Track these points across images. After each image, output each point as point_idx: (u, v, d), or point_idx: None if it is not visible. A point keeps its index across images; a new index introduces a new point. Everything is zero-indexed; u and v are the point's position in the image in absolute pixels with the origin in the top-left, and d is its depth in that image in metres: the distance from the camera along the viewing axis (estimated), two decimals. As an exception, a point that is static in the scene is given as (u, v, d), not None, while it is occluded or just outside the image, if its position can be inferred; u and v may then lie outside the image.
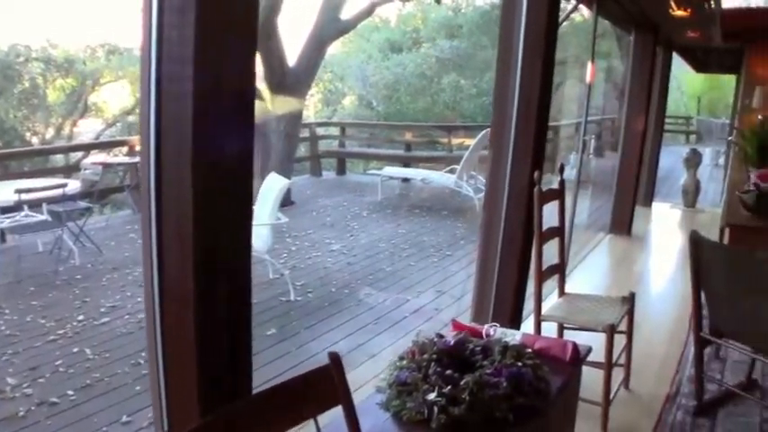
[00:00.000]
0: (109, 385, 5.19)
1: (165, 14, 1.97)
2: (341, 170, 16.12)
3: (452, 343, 2.81)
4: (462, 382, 2.47)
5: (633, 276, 7.68)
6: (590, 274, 7.45)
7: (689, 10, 7.45)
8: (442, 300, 7.17)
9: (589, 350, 3.23)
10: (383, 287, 7.62)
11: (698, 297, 4.15)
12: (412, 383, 2.53)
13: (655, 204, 11.49)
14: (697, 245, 4.01)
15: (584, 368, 3.90)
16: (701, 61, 16.41)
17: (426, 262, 8.69)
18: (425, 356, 2.66)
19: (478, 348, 2.79)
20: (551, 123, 17.80)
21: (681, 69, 23.12)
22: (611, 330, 3.90)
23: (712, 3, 7.35)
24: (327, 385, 2.12)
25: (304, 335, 6.25)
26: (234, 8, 2.04)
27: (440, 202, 12.42)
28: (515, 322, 4.48)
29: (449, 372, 2.55)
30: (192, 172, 1.99)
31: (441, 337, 2.86)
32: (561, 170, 4.49)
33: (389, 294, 7.36)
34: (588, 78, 7.34)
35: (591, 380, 4.00)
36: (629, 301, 4.35)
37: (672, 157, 14.75)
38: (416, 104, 22.86)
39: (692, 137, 27.23)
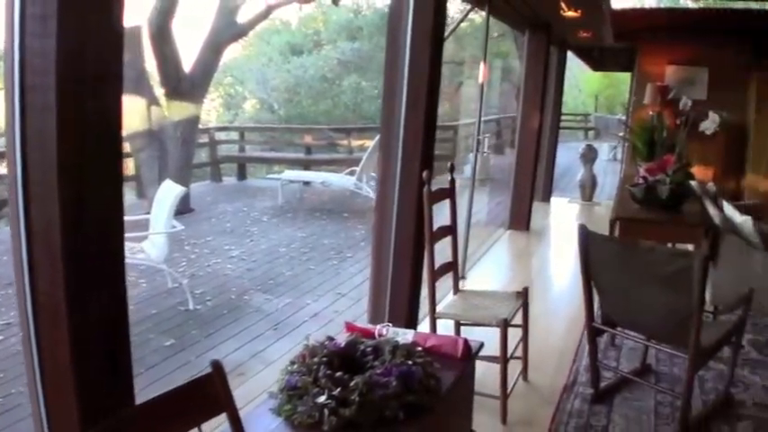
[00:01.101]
0: (2, 407, 5.02)
1: (26, 22, 1.92)
2: (241, 175, 15.93)
3: (343, 345, 2.81)
4: (352, 384, 2.47)
5: (532, 270, 7.82)
6: (490, 269, 7.55)
7: (579, 11, 7.60)
8: (342, 302, 7.17)
9: (481, 345, 3.26)
10: (283, 292, 7.57)
11: (588, 289, 4.26)
12: (302, 387, 2.51)
13: (553, 199, 11.74)
14: (585, 238, 4.10)
15: (483, 363, 3.95)
16: (598, 60, 16.74)
17: (326, 265, 8.68)
18: (315, 360, 2.65)
19: (369, 349, 2.79)
20: (451, 123, 18.11)
21: (579, 68, 23.65)
22: (504, 325, 3.95)
23: (602, 3, 7.51)
24: (212, 393, 2.10)
25: (204, 344, 6.17)
26: (98, 16, 1.99)
27: (340, 204, 12.43)
28: (412, 322, 4.50)
29: (339, 374, 2.54)
30: (59, 179, 1.94)
31: (331, 339, 2.86)
32: (451, 169, 4.52)
33: (289, 299, 7.32)
34: (481, 78, 7.42)
35: (489, 374, 4.08)
36: (523, 295, 4.41)
37: (571, 153, 15.04)
38: (318, 107, 22.83)
39: (591, 133, 27.84)
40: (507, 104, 21.26)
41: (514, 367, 4.51)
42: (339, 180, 12.74)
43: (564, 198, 12.00)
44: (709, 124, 6.00)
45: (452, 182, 4.42)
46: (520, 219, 9.25)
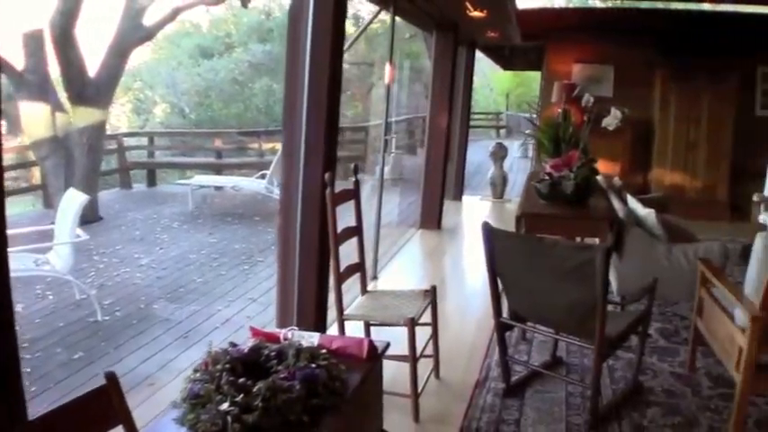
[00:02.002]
0: None
1: None
2: (151, 181, 15.61)
3: (246, 351, 2.77)
4: (255, 389, 2.45)
5: (444, 268, 7.87)
6: (402, 269, 7.56)
7: (485, 11, 7.67)
8: (253, 308, 7.09)
9: (387, 345, 3.26)
10: (193, 299, 7.45)
11: (495, 285, 4.30)
12: (205, 395, 2.47)
13: (465, 198, 11.85)
14: (489, 235, 4.13)
15: (395, 362, 4.01)
16: (508, 59, 16.99)
17: (237, 270, 8.59)
18: (218, 367, 2.61)
19: (273, 354, 2.77)
20: (363, 124, 18.10)
21: (491, 67, 23.91)
22: (411, 324, 3.96)
23: (507, 4, 7.58)
24: (107, 405, 2.05)
25: (113, 356, 6.02)
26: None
27: (251, 208, 12.31)
28: (320, 324, 4.46)
29: (242, 380, 2.51)
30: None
31: (234, 346, 2.82)
32: (355, 171, 4.50)
33: (200, 307, 7.21)
34: (387, 79, 7.42)
35: (401, 373, 4.08)
36: (431, 293, 4.41)
37: (484, 151, 15.15)
38: (229, 110, 22.62)
39: (503, 131, 28.22)
40: (419, 104, 21.40)
41: (426, 365, 4.54)
42: (250, 184, 12.64)
43: (476, 196, 12.11)
44: (611, 120, 6.09)
45: (357, 183, 4.41)
46: (431, 218, 9.30)
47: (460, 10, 7.66)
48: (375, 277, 6.97)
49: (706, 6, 12.41)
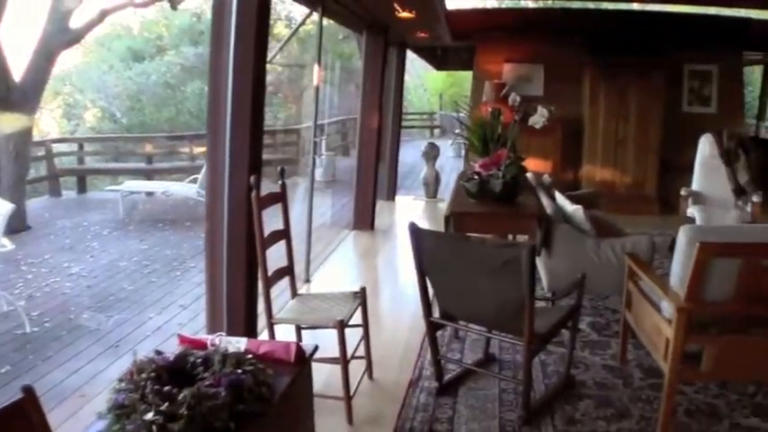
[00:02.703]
0: None
1: None
2: (82, 188, 15.27)
3: (172, 358, 2.73)
4: (180, 397, 2.42)
5: (377, 269, 7.86)
6: (335, 271, 7.53)
7: (414, 12, 7.68)
8: (185, 315, 7.00)
9: (315, 348, 3.24)
10: (124, 308, 7.31)
11: (424, 284, 4.31)
12: (130, 405, 2.43)
13: (398, 198, 11.87)
14: (417, 235, 4.13)
15: (328, 365, 4.03)
16: (441, 59, 17.09)
17: (169, 277, 8.48)
18: (143, 375, 2.56)
19: (199, 360, 2.74)
20: (295, 126, 18.03)
21: (424, 68, 24.00)
22: (341, 326, 3.94)
23: (436, 4, 7.61)
24: (26, 419, 2.00)
25: (41, 368, 5.87)
26: None
27: (183, 213, 12.14)
28: (251, 329, 4.41)
29: (167, 388, 2.47)
30: None
31: (159, 354, 2.77)
32: (281, 174, 4.46)
33: (131, 315, 7.08)
34: (316, 81, 7.39)
35: (335, 376, 4.07)
36: (361, 295, 4.41)
37: (417, 151, 15.16)
38: (161, 114, 22.30)
39: (437, 131, 28.35)
40: (353, 106, 21.38)
41: (359, 367, 4.54)
42: (181, 189, 12.50)
43: (410, 196, 12.15)
44: (538, 118, 6.13)
45: (283, 186, 4.38)
46: (364, 218, 9.30)
47: (389, 11, 7.67)
48: (308, 280, 6.94)
49: (635, 6, 12.63)
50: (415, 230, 4.15)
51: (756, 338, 4.00)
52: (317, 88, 7.46)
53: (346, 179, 13.05)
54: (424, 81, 33.73)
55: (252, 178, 3.95)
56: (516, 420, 4.16)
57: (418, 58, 17.50)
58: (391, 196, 11.62)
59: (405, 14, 7.79)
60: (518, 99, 6.21)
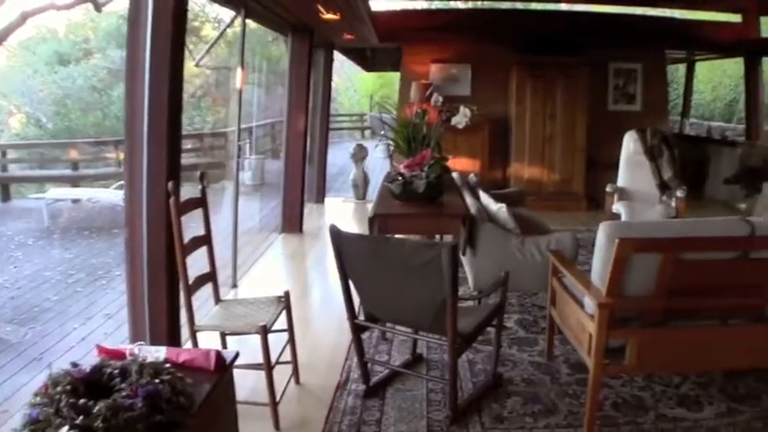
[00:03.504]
0: None
1: None
2: (5, 196, 14.82)
3: (88, 370, 2.66)
4: (96, 410, 2.34)
5: (306, 272, 7.82)
6: (263, 275, 7.45)
7: (338, 13, 7.65)
8: (111, 324, 6.87)
9: (236, 355, 3.19)
10: (49, 318, 7.15)
11: (347, 286, 4.30)
12: (44, 420, 2.36)
13: (328, 200, 11.84)
14: (337, 237, 4.12)
15: (255, 372, 4.01)
16: (371, 61, 17.09)
17: (95, 285, 8.31)
18: (58, 389, 2.49)
19: (116, 371, 2.66)
20: (224, 130, 17.87)
21: (355, 70, 23.97)
22: (263, 331, 3.91)
23: (360, 6, 7.58)
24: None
25: (-39, 384, 5.74)
26: None
27: (109, 220, 11.92)
28: (174, 338, 4.34)
29: (82, 401, 2.39)
30: None
31: (75, 366, 2.69)
32: (201, 179, 4.41)
33: (56, 326, 6.93)
34: (239, 84, 7.32)
35: (262, 382, 4.01)
36: (285, 299, 4.38)
37: (348, 153, 15.24)
38: (87, 119, 21.86)
39: (368, 132, 28.35)
40: (283, 108, 21.24)
41: (286, 371, 4.50)
42: (107, 195, 12.31)
43: (339, 198, 12.13)
44: (461, 118, 6.17)
45: (203, 191, 4.32)
46: (293, 221, 9.25)
47: (313, 13, 7.63)
48: (235, 285, 6.86)
49: (563, 6, 12.81)
50: (335, 233, 4.13)
51: (677, 331, 4.09)
52: (241, 91, 7.39)
53: (276, 182, 12.95)
54: (354, 83, 33.73)
55: (170, 184, 3.88)
56: (444, 420, 4.17)
57: (347, 59, 17.51)
58: (320, 199, 11.58)
59: (329, 16, 7.76)
60: (440, 99, 6.24)
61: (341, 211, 11.20)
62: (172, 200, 3.85)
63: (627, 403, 4.40)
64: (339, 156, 15.34)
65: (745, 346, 4.09)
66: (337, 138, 25.16)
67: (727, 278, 4.04)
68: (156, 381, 2.57)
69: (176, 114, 4.15)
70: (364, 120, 29.76)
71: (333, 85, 27.65)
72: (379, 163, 15.66)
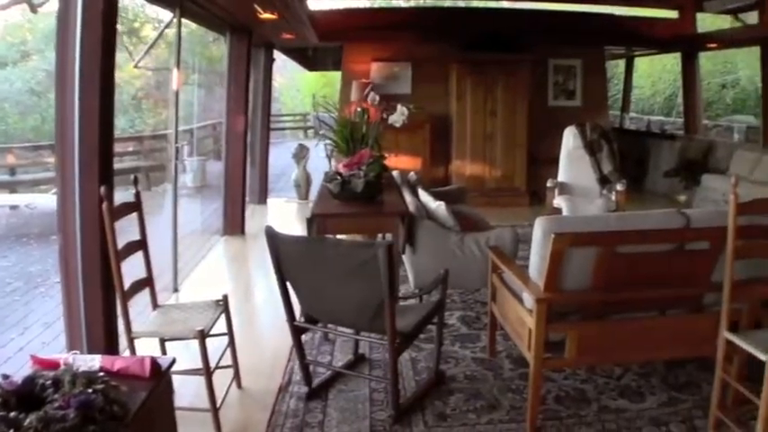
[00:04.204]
0: None
1: None
2: (-61, 205, 14.62)
3: (20, 382, 2.59)
4: (27, 422, 2.30)
5: (248, 274, 7.77)
6: (205, 278, 7.37)
7: (276, 13, 7.59)
8: (49, 333, 6.71)
9: (172, 361, 3.14)
10: (-15, 328, 6.99)
11: (285, 288, 4.28)
12: (-27, 436, 2.29)
13: (270, 201, 11.76)
14: (273, 239, 4.09)
15: (194, 377, 3.99)
16: (312, 60, 17.05)
17: (34, 294, 8.11)
18: (-11, 403, 2.42)
19: (49, 382, 2.60)
20: (164, 132, 17.67)
21: (297, 69, 23.85)
22: (201, 336, 3.86)
23: (297, 5, 7.54)
24: None
25: None
26: None
27: (49, 226, 11.57)
28: (112, 345, 4.27)
29: (13, 414, 2.34)
30: None
31: (6, 377, 2.63)
32: (135, 182, 4.34)
33: (-9, 336, 6.77)
34: (175, 85, 7.23)
35: (203, 387, 3.96)
36: (224, 303, 4.33)
37: (290, 153, 15.18)
38: (26, 123, 21.48)
39: (311, 132, 28.27)
40: (223, 109, 21.07)
41: (228, 376, 4.45)
42: (46, 201, 12.03)
43: (282, 198, 12.07)
44: (398, 117, 6.17)
45: (137, 195, 4.25)
46: (234, 223, 9.17)
47: (251, 13, 7.57)
48: (176, 290, 6.77)
49: (505, 4, 12.93)
50: (271, 234, 4.11)
51: (616, 323, 4.14)
52: (177, 92, 7.29)
53: (218, 184, 12.83)
54: (297, 82, 33.62)
55: (102, 189, 3.80)
56: (387, 419, 4.17)
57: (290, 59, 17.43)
58: (263, 199, 11.50)
59: (267, 16, 7.70)
60: (377, 98, 6.24)
61: (283, 212, 11.15)
62: (105, 205, 3.78)
63: (569, 396, 4.45)
64: (282, 156, 15.24)
65: (684, 336, 4.16)
66: (280, 138, 25.07)
67: (664, 270, 4.09)
68: (89, 390, 2.52)
69: (108, 117, 4.08)
70: (307, 120, 29.69)
71: (276, 85, 27.54)
72: (321, 163, 15.59)
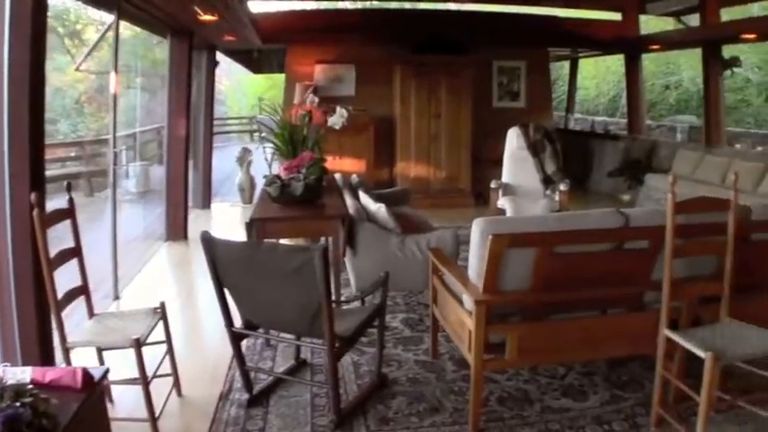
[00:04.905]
0: None
1: None
2: None
3: (-53, 397, 2.53)
4: (-51, 440, 2.22)
5: (191, 280, 7.66)
6: (147, 285, 7.24)
7: (216, 14, 7.52)
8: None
9: (106, 371, 3.09)
10: None
11: (222, 295, 4.23)
12: None
13: (215, 205, 11.65)
14: (209, 244, 4.05)
15: (133, 387, 3.93)
16: (257, 63, 16.95)
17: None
18: None
19: (-23, 397, 2.54)
20: (106, 136, 17.40)
21: (243, 72, 23.67)
22: (137, 345, 3.80)
23: (238, 7, 7.46)
24: None
25: None
26: None
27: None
28: (47, 356, 4.17)
29: (-62, 430, 2.27)
30: None
31: (-66, 393, 2.56)
32: (68, 188, 4.25)
33: None
34: (113, 89, 7.11)
35: (142, 397, 3.90)
36: (161, 310, 4.27)
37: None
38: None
39: (257, 135, 28.12)
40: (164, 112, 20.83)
41: (167, 385, 4.38)
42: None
43: (226, 203, 11.97)
44: (337, 119, 6.15)
45: (71, 201, 4.15)
46: (177, 228, 9.05)
47: (190, 14, 7.47)
48: (117, 297, 6.65)
49: (452, 6, 12.98)
50: (206, 240, 4.06)
51: (556, 323, 4.16)
52: (116, 96, 7.17)
53: (162, 189, 12.70)
54: (243, 85, 33.45)
55: (33, 196, 3.71)
56: (328, 425, 4.14)
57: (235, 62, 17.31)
58: (207, 204, 11.36)
59: (207, 17, 7.62)
60: (316, 100, 6.21)
61: (228, 216, 11.04)
62: (36, 212, 3.69)
63: (512, 397, 4.47)
64: (228, 160, 15.09)
65: (625, 335, 4.21)
66: (226, 141, 24.90)
67: (604, 269, 4.13)
68: (17, 404, 2.47)
69: (38, 123, 3.99)
70: (254, 123, 29.56)
71: (222, 88, 27.25)
72: (266, 166, 15.51)
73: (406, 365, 4.98)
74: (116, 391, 4.35)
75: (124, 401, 4.28)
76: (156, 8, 7.52)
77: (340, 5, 14.03)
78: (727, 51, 11.90)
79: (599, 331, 4.20)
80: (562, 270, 4.02)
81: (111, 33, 7.01)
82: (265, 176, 6.08)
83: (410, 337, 5.52)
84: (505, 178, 9.04)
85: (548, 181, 8.96)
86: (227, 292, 4.25)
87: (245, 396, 4.47)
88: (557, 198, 8.34)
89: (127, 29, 11.45)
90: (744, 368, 3.73)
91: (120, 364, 4.09)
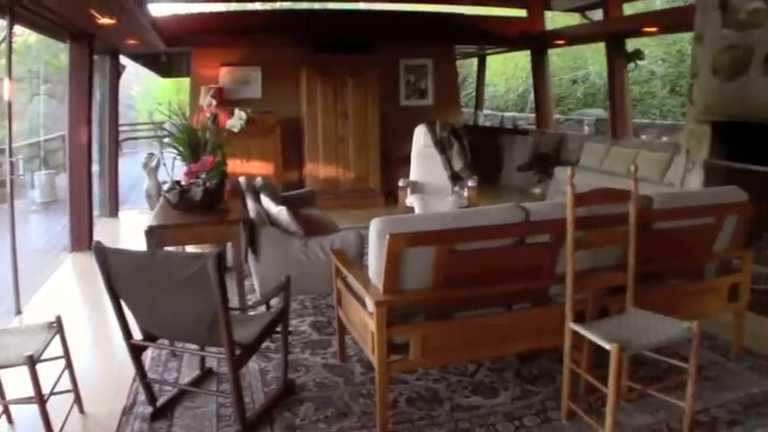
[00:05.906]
0: None
1: None
2: None
3: None
4: None
5: (96, 291, 7.42)
6: (51, 298, 7.03)
7: (114, 18, 7.36)
8: None
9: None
10: None
11: (118, 305, 4.12)
12: None
13: (123, 213, 11.40)
14: (102, 254, 3.95)
15: (31, 406, 3.78)
16: (166, 67, 16.73)
17: None
18: None
19: None
20: (2, 146, 16.94)
21: (152, 77, 23.28)
22: (31, 362, 3.67)
23: (136, 10, 7.32)
24: None
25: None
26: None
27: None
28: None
29: None
30: None
31: None
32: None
33: None
34: (6, 96, 6.88)
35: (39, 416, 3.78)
36: (57, 324, 4.14)
37: (144, 163, 14.80)
38: None
39: (167, 140, 27.70)
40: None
41: (68, 401, 4.25)
42: None
43: (135, 210, 11.74)
44: (235, 122, 6.09)
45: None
46: (82, 239, 8.81)
47: (88, 18, 7.30)
48: (19, 312, 6.44)
49: (362, 5, 13.00)
50: (99, 250, 3.95)
51: (459, 321, 4.17)
52: (10, 103, 6.92)
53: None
54: (152, 90, 32.94)
55: None
56: (234, 435, 4.07)
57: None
58: (114, 212, 11.12)
59: (105, 21, 7.45)
60: (214, 102, 6.13)
61: (136, 224, 10.76)
62: None
63: (422, 397, 4.48)
64: (137, 166, 14.84)
65: (532, 330, 4.26)
66: (136, 147, 24.49)
67: (507, 264, 4.16)
68: None
69: None
70: (163, 128, 29.08)
71: (131, 93, 26.72)
72: (174, 172, 15.29)
73: (313, 370, 4.94)
74: (15, 410, 4.22)
75: (24, 421, 4.15)
76: (51, 12, 7.32)
77: (249, 6, 13.88)
78: (631, 45, 12.18)
79: (505, 327, 4.23)
80: (463, 267, 4.03)
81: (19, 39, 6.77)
82: (164, 182, 5.97)
83: (318, 341, 5.49)
84: (414, 176, 9.08)
85: (456, 178, 9.02)
86: (123, 303, 4.14)
87: (149, 409, 4.35)
88: (465, 194, 8.40)
89: (31, 35, 11.13)
90: (653, 357, 3.80)
91: (17, 383, 3.96)
